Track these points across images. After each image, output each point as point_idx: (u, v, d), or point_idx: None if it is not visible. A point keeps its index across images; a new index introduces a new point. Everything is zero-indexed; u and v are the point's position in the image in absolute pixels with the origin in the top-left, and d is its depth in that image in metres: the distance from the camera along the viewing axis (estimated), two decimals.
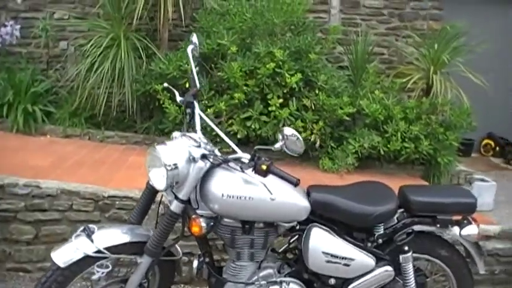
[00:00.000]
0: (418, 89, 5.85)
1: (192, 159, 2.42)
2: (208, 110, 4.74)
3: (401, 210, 2.85)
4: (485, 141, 8.65)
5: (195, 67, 2.85)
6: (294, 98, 4.97)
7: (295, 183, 2.36)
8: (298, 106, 4.94)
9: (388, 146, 4.95)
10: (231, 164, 2.48)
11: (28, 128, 5.25)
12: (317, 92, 5.00)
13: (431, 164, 5.32)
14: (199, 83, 2.87)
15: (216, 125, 2.81)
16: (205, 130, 2.92)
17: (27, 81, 5.43)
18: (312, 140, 4.94)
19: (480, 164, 7.72)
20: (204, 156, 2.43)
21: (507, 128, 8.39)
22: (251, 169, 2.35)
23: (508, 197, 6.38)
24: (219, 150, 2.71)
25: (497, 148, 8.56)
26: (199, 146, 2.49)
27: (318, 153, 5.16)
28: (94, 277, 2.70)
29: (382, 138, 5.00)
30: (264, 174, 2.32)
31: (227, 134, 4.66)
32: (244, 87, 4.83)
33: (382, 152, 4.99)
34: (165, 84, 3.16)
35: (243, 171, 2.43)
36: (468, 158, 7.72)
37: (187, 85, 2.89)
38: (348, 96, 5.08)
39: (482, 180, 5.85)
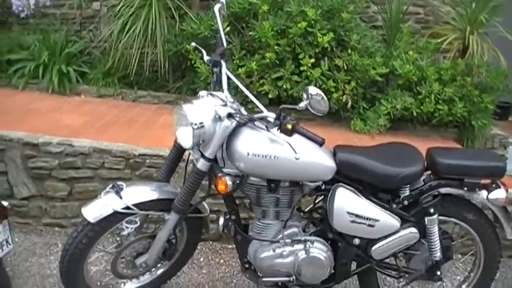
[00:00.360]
0: (453, 50, 5.71)
1: (218, 118, 2.45)
2: (240, 69, 4.72)
3: (429, 172, 2.83)
4: None
5: (223, 26, 2.85)
6: (325, 58, 4.91)
7: (321, 143, 2.35)
8: (330, 66, 4.88)
9: (421, 107, 4.89)
10: (257, 123, 2.49)
11: (63, 88, 5.33)
12: (349, 52, 4.92)
13: (465, 127, 5.24)
14: (227, 42, 2.87)
15: (245, 86, 2.82)
16: (236, 90, 2.93)
17: (61, 42, 5.50)
18: (343, 100, 4.90)
19: None
20: (230, 115, 2.45)
21: None
22: (276, 128, 2.36)
23: None
24: (249, 110, 2.73)
25: None
26: (225, 105, 2.51)
27: (349, 113, 5.13)
28: (123, 233, 2.80)
29: (415, 99, 4.93)
30: (289, 133, 2.32)
31: (258, 94, 4.69)
32: (276, 47, 4.78)
33: (414, 114, 4.92)
34: (193, 44, 3.16)
35: (268, 131, 2.44)
36: (504, 122, 7.58)
37: None
38: (380, 57, 5.00)
39: None
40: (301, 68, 4.80)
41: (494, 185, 2.82)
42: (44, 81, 5.33)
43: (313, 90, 2.33)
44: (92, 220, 2.61)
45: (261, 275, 2.83)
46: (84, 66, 5.58)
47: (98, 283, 2.99)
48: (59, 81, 5.28)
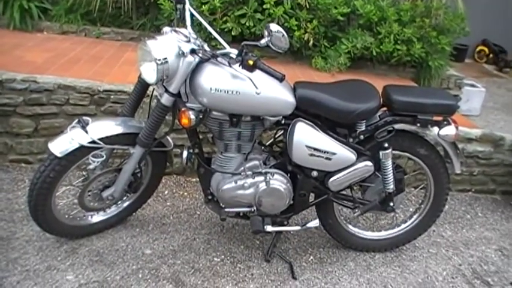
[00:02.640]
0: None
1: (181, 54, 2.48)
2: (203, 6, 4.70)
3: (384, 108, 2.94)
4: (479, 47, 8.67)
5: None
6: None
7: (281, 79, 2.43)
8: (292, 4, 4.89)
9: (381, 47, 4.97)
10: (220, 59, 2.54)
11: (25, 25, 5.22)
12: None
13: (422, 67, 5.37)
14: None
15: (209, 23, 2.85)
16: (199, 27, 2.95)
17: None
18: (305, 38, 4.95)
19: (472, 70, 7.79)
20: (193, 51, 2.49)
21: (502, 35, 8.36)
22: (238, 64, 2.43)
23: (496, 103, 6.52)
24: (212, 47, 2.77)
25: (491, 55, 8.58)
26: (189, 41, 2.55)
27: (311, 52, 5.19)
28: (90, 167, 2.88)
29: (375, 39, 5.01)
30: (250, 69, 2.39)
31: (221, 31, 4.71)
32: None
33: (374, 53, 5.01)
34: None
35: (230, 66, 2.50)
36: (461, 64, 7.78)
37: None
38: None
39: (472, 85, 5.96)
40: (264, 6, 4.80)
41: (445, 122, 2.95)
42: (4, 18, 5.20)
43: (274, 27, 2.40)
44: (58, 154, 2.67)
45: (223, 206, 2.96)
46: (46, 2, 5.44)
47: (66, 216, 3.07)
48: (20, 18, 5.16)
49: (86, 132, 2.69)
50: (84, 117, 2.76)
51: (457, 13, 5.27)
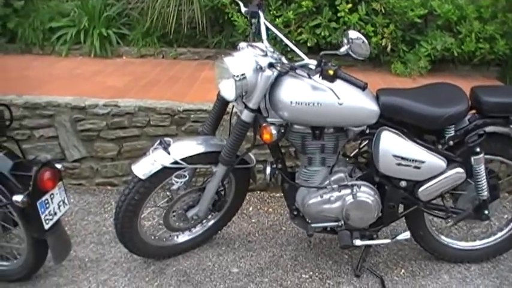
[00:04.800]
0: None
1: (259, 69, 2.45)
2: (277, 20, 4.68)
3: (473, 111, 2.80)
4: None
5: None
6: (363, 2, 4.81)
7: (363, 87, 2.35)
8: (367, 10, 4.79)
9: (462, 47, 4.76)
10: (298, 71, 2.48)
11: (104, 52, 5.40)
12: None
13: (507, 65, 5.12)
14: None
15: (284, 35, 2.82)
16: (275, 41, 2.93)
17: (99, 6, 5.53)
18: (383, 44, 4.83)
19: None
20: (271, 65, 2.45)
21: None
22: (318, 75, 2.36)
23: None
24: (289, 59, 2.73)
25: None
26: (266, 55, 2.52)
27: (389, 57, 5.06)
28: (173, 187, 2.89)
29: (455, 39, 4.80)
30: (331, 79, 2.33)
31: (297, 43, 4.67)
32: None
33: (455, 54, 4.81)
34: None
35: (310, 78, 2.44)
36: None
37: None
38: None
39: None
40: (339, 14, 4.72)
41: None
42: (85, 46, 5.41)
43: (353, 34, 2.31)
44: (142, 177, 2.70)
45: (309, 221, 2.90)
46: (124, 28, 5.62)
47: (152, 237, 3.10)
48: (100, 45, 5.35)
49: (168, 153, 2.70)
50: (166, 138, 2.78)
51: None
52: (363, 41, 2.31)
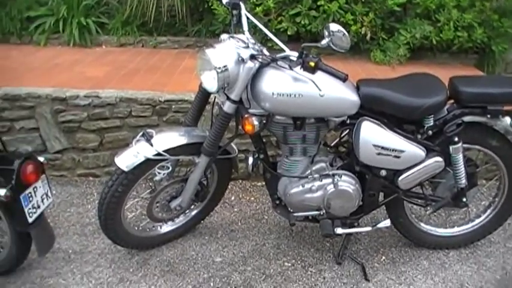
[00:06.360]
0: None
1: (241, 60, 2.46)
2: (257, 8, 4.67)
3: (452, 101, 2.84)
4: None
5: None
6: None
7: (344, 79, 2.38)
8: None
9: (441, 35, 4.81)
10: (280, 62, 2.50)
11: (84, 41, 5.35)
12: None
13: (485, 53, 5.17)
14: None
15: (264, 24, 2.83)
16: (255, 30, 2.93)
17: None
18: (362, 32, 4.84)
19: None
20: (252, 57, 2.47)
21: None
22: (299, 66, 2.38)
23: None
24: (269, 48, 2.74)
25: None
26: (247, 47, 2.53)
27: (369, 45, 5.09)
28: (156, 178, 2.89)
29: (434, 27, 4.84)
30: (312, 71, 2.35)
31: (277, 31, 4.66)
32: None
33: (434, 42, 4.86)
34: None
35: (291, 69, 2.46)
36: None
37: None
38: None
39: None
40: (319, 3, 4.73)
41: None
42: (64, 35, 5.35)
43: (334, 27, 2.33)
44: (125, 169, 2.71)
45: (291, 210, 2.93)
46: (103, 16, 5.56)
47: (136, 228, 3.11)
48: (79, 34, 5.30)
49: (151, 144, 2.71)
50: (148, 130, 2.78)
51: None
52: (344, 34, 2.33)
